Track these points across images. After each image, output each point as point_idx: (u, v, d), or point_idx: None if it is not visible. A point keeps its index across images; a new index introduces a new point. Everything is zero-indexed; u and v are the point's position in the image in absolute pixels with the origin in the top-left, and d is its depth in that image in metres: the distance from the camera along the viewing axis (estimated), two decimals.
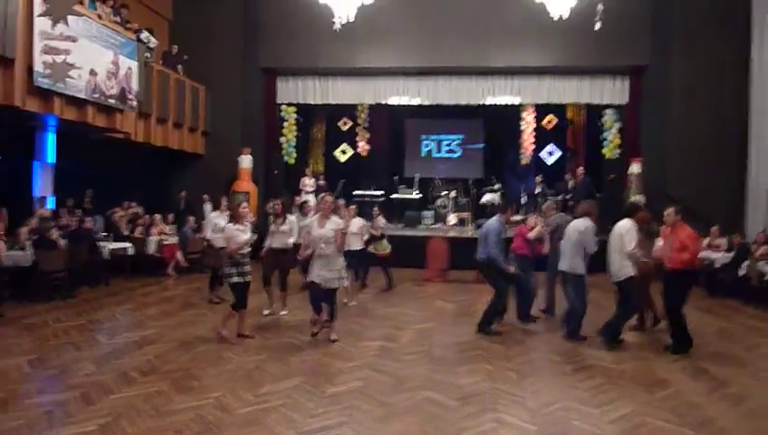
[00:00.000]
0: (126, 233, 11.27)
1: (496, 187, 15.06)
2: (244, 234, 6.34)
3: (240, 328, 6.57)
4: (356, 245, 8.34)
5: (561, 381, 5.44)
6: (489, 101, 14.80)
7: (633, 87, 14.08)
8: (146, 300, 8.91)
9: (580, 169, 14.00)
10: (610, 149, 14.61)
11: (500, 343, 6.70)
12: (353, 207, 8.95)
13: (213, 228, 8.33)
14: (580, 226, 6.82)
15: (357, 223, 8.54)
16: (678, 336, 6.40)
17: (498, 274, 7.10)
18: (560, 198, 13.79)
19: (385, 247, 9.68)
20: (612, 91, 14.34)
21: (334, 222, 6.33)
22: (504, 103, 14.85)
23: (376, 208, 10.00)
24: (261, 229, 12.07)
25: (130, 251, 10.66)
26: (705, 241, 10.64)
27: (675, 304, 6.39)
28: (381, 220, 9.88)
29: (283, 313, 7.77)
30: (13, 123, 10.06)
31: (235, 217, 6.38)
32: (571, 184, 14.06)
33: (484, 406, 4.76)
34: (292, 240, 7.71)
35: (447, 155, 17.56)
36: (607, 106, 14.59)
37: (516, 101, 14.81)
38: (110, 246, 10.26)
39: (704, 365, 5.96)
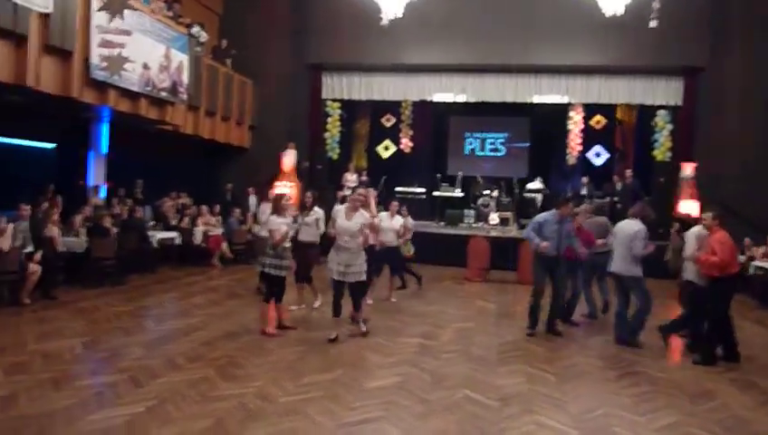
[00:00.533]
0: (174, 223, 11.60)
1: (535, 187, 14.87)
2: (287, 227, 6.45)
3: (281, 319, 6.68)
4: (394, 242, 8.32)
5: (603, 386, 5.36)
6: (536, 99, 14.62)
7: (688, 88, 13.69)
8: (192, 289, 9.17)
9: (629, 172, 13.71)
10: (662, 152, 14.24)
11: (541, 345, 6.64)
12: (396, 203, 8.90)
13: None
14: (630, 227, 6.70)
15: (399, 221, 8.50)
16: (707, 347, 6.22)
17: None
18: (606, 200, 13.54)
19: (409, 249, 9.47)
20: (666, 92, 13.98)
21: (362, 216, 6.28)
22: (551, 102, 14.65)
23: (404, 208, 9.49)
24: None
25: (178, 241, 10.99)
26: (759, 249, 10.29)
27: (716, 313, 6.21)
28: (410, 221, 9.64)
29: (317, 304, 7.86)
30: (69, 114, 10.48)
31: (277, 210, 6.47)
32: (618, 186, 13.78)
33: (523, 408, 4.74)
34: (319, 232, 7.79)
35: (491, 153, 17.43)
36: (660, 107, 14.22)
37: (564, 100, 14.59)
38: (158, 235, 10.60)
39: (753, 378, 5.77)
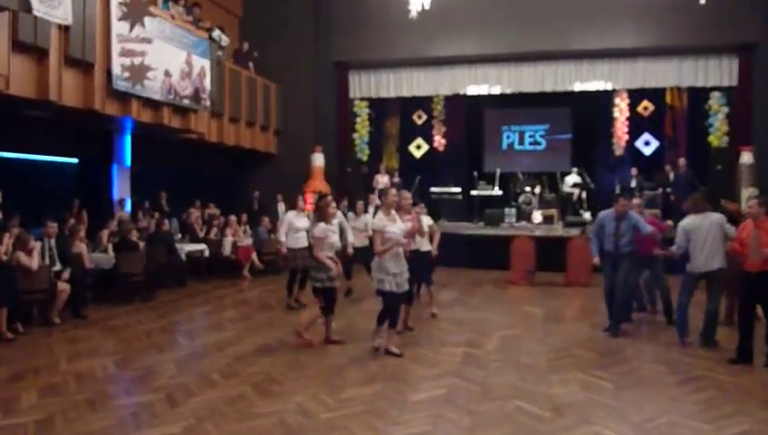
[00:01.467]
0: (201, 235, 11.86)
1: (573, 181, 14.70)
2: (333, 234, 6.51)
3: (328, 334, 6.74)
4: (426, 246, 8.19)
5: (665, 392, 5.26)
6: (577, 87, 14.48)
7: (743, 67, 13.37)
8: (223, 302, 9.34)
9: (682, 160, 13.45)
10: (717, 137, 13.93)
11: (594, 350, 6.56)
12: (421, 204, 8.73)
13: (288, 229, 8.56)
14: (718, 219, 6.59)
15: (426, 221, 8.23)
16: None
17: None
18: (659, 191, 13.30)
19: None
20: (719, 73, 13.68)
21: (397, 217, 6.31)
22: (594, 89, 14.48)
23: (422, 205, 8.97)
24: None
25: (206, 253, 11.21)
26: None
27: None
28: (428, 220, 9.02)
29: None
30: (92, 127, 10.79)
31: (324, 217, 6.43)
32: (671, 176, 13.53)
33: (580, 418, 4.69)
34: (350, 237, 8.20)
35: (531, 147, 17.31)
36: (713, 89, 13.92)
37: (608, 86, 14.41)
38: (186, 247, 10.85)
39: None
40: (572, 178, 15.05)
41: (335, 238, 6.49)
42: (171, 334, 7.32)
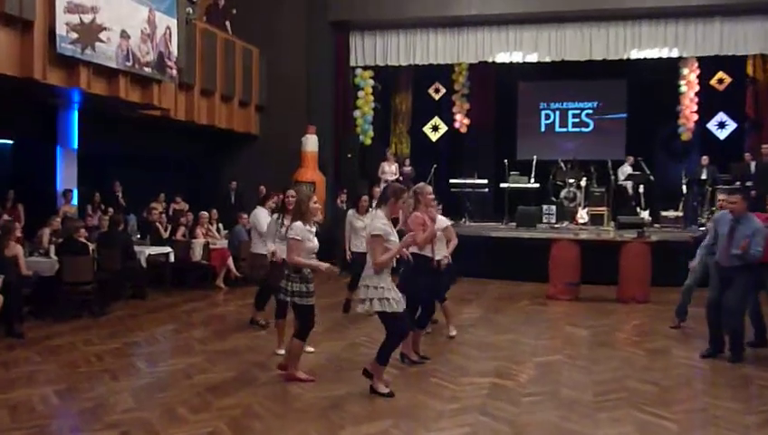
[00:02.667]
0: (166, 235, 11.91)
1: (627, 172, 14.67)
2: (314, 237, 6.43)
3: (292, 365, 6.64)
4: (443, 251, 7.90)
5: None
6: (634, 54, 14.46)
7: None
8: (192, 319, 9.38)
9: (766, 147, 13.38)
10: None
11: (653, 382, 6.55)
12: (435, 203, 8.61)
13: (259, 232, 8.52)
14: None
15: (443, 222, 8.05)
16: None
17: None
18: (736, 184, 13.24)
19: None
20: None
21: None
22: (654, 57, 14.44)
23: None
24: (333, 231, 12.36)
25: (171, 258, 11.26)
26: None
27: None
28: (444, 220, 9.11)
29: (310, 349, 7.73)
30: (32, 100, 10.84)
31: (303, 215, 6.36)
32: (752, 166, 13.48)
33: None
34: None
35: (576, 129, 17.31)
36: None
37: (673, 53, 14.37)
38: (147, 251, 10.88)
39: None
40: (627, 168, 15.02)
41: (314, 244, 6.39)
42: (128, 358, 7.35)
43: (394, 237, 6.01)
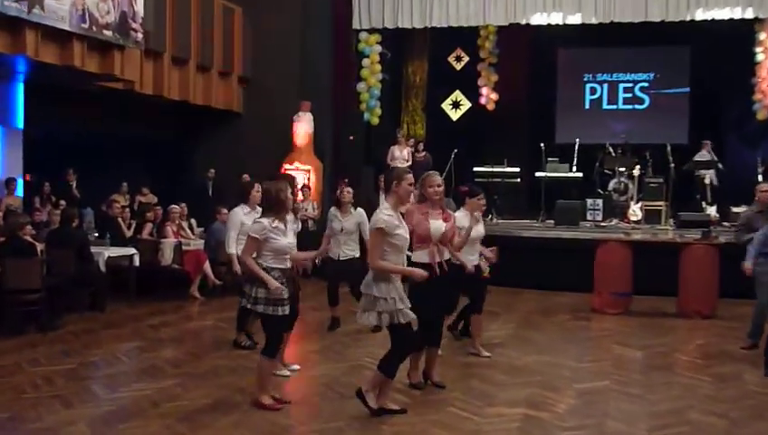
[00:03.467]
0: (129, 233, 11.91)
1: (703, 159, 14.64)
2: (283, 236, 6.50)
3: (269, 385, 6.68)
4: (470, 254, 8.00)
5: None
6: (699, 15, 14.39)
7: None
8: (161, 335, 9.40)
9: None
10: None
11: (722, 415, 6.57)
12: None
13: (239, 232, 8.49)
14: None
15: (462, 218, 8.01)
16: None
17: None
18: None
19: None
20: None
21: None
22: (725, 18, 14.38)
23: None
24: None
25: (136, 261, 11.30)
26: None
27: None
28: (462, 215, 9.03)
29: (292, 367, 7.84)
30: None
31: (272, 209, 6.40)
32: None
33: None
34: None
35: (628, 106, 17.29)
36: None
37: (747, 14, 14.29)
38: (106, 253, 10.89)
39: None
40: (705, 154, 14.91)
41: (285, 242, 6.42)
42: (83, 381, 7.36)
43: (402, 232, 6.03)
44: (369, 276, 6.05)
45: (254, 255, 6.30)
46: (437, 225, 6.61)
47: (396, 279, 6.03)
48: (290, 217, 6.70)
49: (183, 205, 12.66)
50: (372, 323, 6.11)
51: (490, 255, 8.40)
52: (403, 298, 6.02)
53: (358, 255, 9.28)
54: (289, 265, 6.49)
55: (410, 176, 6.21)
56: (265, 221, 6.32)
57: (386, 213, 6.00)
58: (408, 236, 6.11)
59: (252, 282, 6.35)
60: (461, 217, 7.87)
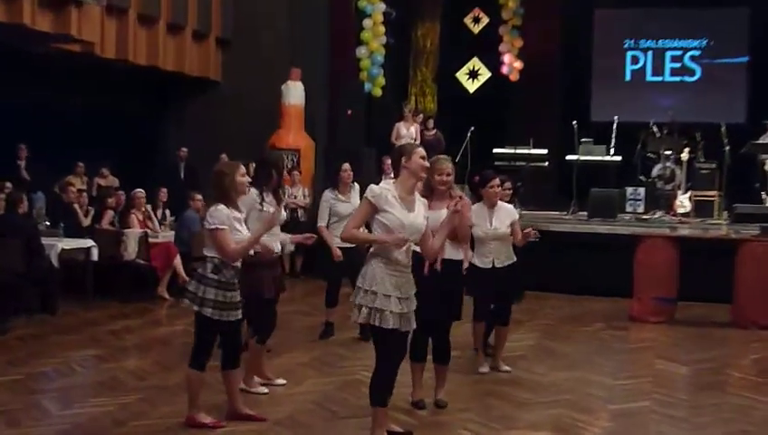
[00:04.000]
0: (87, 222, 11.87)
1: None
2: (239, 232, 6.41)
3: (234, 405, 6.67)
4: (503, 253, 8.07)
5: None
6: None
7: None
8: (123, 342, 9.37)
9: None
10: None
11: None
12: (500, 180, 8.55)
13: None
14: None
15: (478, 211, 8.04)
16: None
17: None
18: None
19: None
20: None
21: (423, 203, 6.24)
22: None
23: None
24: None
25: (95, 255, 11.24)
26: None
27: None
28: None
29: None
30: None
31: (225, 195, 6.35)
32: None
33: None
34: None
35: (676, 78, 17.24)
36: None
37: None
38: (60, 245, 10.83)
39: None
40: (762, 137, 14.84)
41: (245, 236, 6.37)
42: (32, 395, 7.31)
43: (398, 213, 5.74)
44: (365, 266, 5.88)
45: (232, 245, 6.23)
46: (435, 216, 6.44)
47: (396, 273, 5.77)
48: (269, 198, 6.84)
49: (162, 190, 12.60)
50: (353, 318, 5.97)
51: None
52: (389, 298, 5.72)
53: None
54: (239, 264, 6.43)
55: (421, 149, 6.04)
56: (225, 209, 6.29)
57: (382, 185, 5.87)
58: (416, 223, 5.90)
59: (199, 279, 6.30)
60: (477, 210, 7.87)
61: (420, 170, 5.96)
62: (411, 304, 5.87)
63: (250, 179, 6.74)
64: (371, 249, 5.83)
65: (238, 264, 6.39)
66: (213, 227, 6.23)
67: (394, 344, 5.83)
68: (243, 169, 6.55)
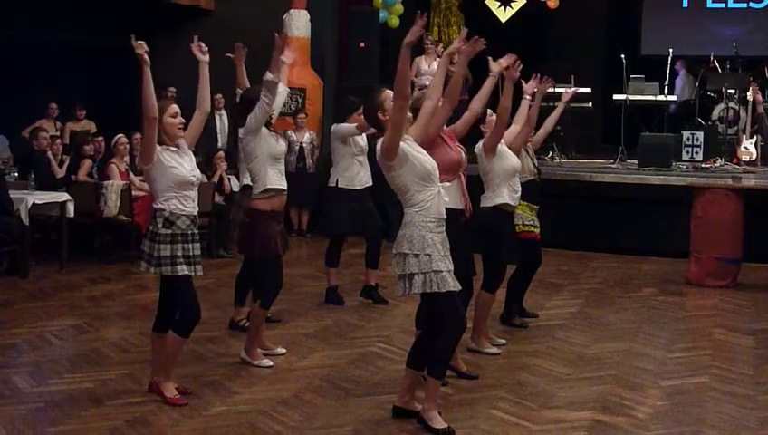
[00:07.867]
0: (61, 174, 11.95)
1: None
2: (180, 166, 6.51)
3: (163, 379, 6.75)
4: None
5: None
6: None
7: None
8: (102, 309, 9.45)
9: None
10: None
11: None
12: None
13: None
14: None
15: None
16: None
17: None
18: None
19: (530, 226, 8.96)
20: None
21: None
22: None
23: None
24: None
25: (71, 210, 11.30)
26: None
27: None
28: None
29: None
30: None
31: (166, 135, 6.59)
32: None
33: None
34: None
35: (741, 4, 17.11)
36: None
37: None
38: (30, 199, 10.84)
39: None
40: None
41: (183, 173, 6.49)
42: (0, 371, 7.38)
43: (417, 152, 5.91)
44: (401, 231, 5.94)
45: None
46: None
47: (438, 230, 5.88)
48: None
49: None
50: (399, 292, 6.06)
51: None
52: (447, 256, 5.89)
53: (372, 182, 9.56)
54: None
55: (388, 91, 6.26)
56: (168, 152, 6.54)
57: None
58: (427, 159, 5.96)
59: (152, 238, 6.44)
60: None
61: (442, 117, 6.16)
62: (450, 263, 5.97)
63: (183, 121, 6.82)
64: (409, 211, 5.88)
65: (194, 211, 6.53)
66: (147, 167, 6.48)
67: (457, 309, 5.97)
68: (173, 109, 6.79)
